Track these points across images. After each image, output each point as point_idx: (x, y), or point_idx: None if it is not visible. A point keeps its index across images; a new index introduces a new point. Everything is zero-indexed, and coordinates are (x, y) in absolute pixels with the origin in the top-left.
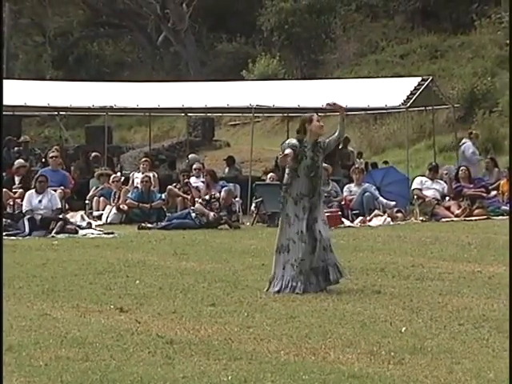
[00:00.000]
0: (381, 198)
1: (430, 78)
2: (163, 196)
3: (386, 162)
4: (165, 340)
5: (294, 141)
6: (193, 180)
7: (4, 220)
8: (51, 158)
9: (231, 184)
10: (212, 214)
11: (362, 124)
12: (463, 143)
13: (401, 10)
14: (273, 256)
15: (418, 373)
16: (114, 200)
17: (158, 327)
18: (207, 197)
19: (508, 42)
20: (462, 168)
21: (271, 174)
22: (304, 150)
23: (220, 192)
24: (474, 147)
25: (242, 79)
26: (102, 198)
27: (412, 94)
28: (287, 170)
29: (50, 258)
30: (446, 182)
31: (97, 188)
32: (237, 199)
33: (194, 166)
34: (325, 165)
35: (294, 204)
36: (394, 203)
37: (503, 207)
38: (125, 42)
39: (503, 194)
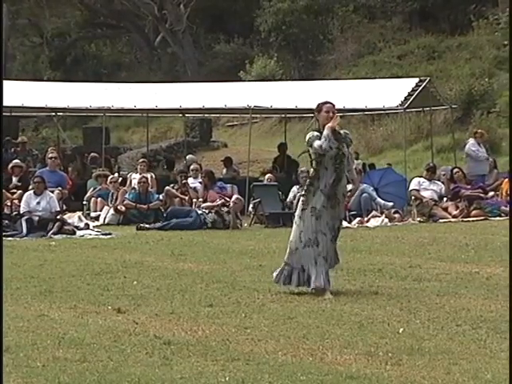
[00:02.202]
0: (378, 199)
1: (428, 78)
2: (161, 197)
3: (389, 165)
4: (162, 341)
5: (315, 133)
6: (190, 181)
7: None
8: (50, 158)
9: (229, 185)
10: (237, 221)
11: (359, 125)
12: (467, 142)
13: (398, 10)
14: (294, 252)
15: (415, 374)
16: (111, 201)
17: (155, 328)
18: (219, 202)
19: (505, 42)
20: (455, 170)
21: (269, 174)
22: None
23: (227, 197)
24: (479, 146)
25: (240, 80)
26: (99, 199)
27: (410, 94)
28: (313, 163)
29: (47, 258)
30: (443, 182)
31: (94, 189)
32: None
33: (191, 167)
34: None
35: (321, 196)
36: (391, 204)
37: (503, 207)
38: (122, 42)
39: (506, 194)
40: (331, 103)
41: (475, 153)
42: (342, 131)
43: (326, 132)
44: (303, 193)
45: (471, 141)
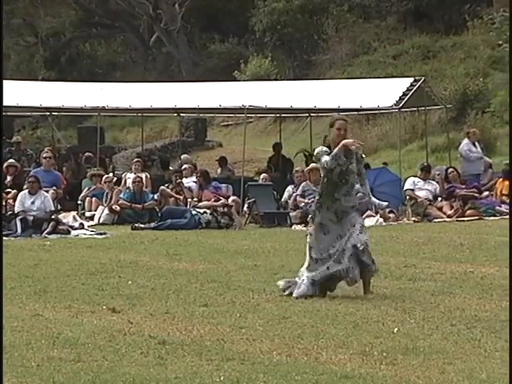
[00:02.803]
0: (373, 199)
1: (423, 78)
2: (155, 196)
3: (385, 164)
4: (157, 340)
5: (324, 148)
6: (185, 180)
7: None
8: (44, 158)
9: (223, 185)
10: (240, 220)
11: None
12: (462, 142)
13: (393, 10)
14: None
15: (410, 373)
16: (106, 200)
17: (150, 328)
18: (219, 203)
19: (500, 42)
20: (450, 170)
21: (264, 174)
22: (337, 159)
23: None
24: (472, 145)
25: (235, 80)
26: (94, 199)
27: (404, 94)
28: (322, 179)
29: (42, 258)
30: (438, 182)
31: (89, 188)
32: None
33: (184, 166)
34: (317, 165)
35: (328, 211)
36: (386, 204)
37: (497, 207)
38: (117, 42)
39: (500, 194)
40: (345, 119)
41: (466, 153)
42: (355, 151)
43: (336, 150)
44: (312, 208)
45: (465, 140)
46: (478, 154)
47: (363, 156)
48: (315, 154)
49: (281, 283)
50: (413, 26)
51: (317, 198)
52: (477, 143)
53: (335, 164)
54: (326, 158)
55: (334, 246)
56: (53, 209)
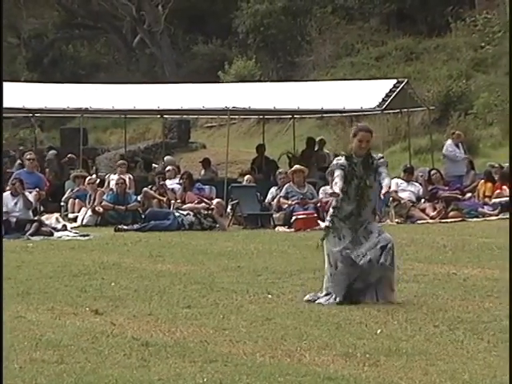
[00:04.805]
0: None
1: (406, 80)
2: (139, 198)
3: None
4: (140, 342)
5: (342, 160)
6: (168, 182)
7: None
8: (28, 160)
9: (207, 186)
10: (224, 222)
11: (337, 126)
12: (445, 143)
13: (376, 12)
14: (331, 277)
15: (393, 374)
16: (89, 202)
17: (133, 329)
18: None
19: (483, 44)
20: (433, 171)
21: (248, 176)
22: (354, 169)
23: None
24: (456, 147)
25: (218, 81)
26: (77, 200)
27: (387, 96)
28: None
29: (24, 260)
30: (421, 184)
31: (72, 190)
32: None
33: (168, 168)
34: (301, 167)
35: (341, 223)
36: None
37: (480, 209)
38: (100, 43)
39: (483, 195)
40: (369, 130)
41: (452, 153)
42: (375, 155)
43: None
44: (328, 218)
45: (449, 141)
46: (462, 155)
47: (385, 163)
48: (331, 164)
49: (307, 297)
50: (396, 28)
51: (331, 210)
52: (460, 145)
53: (340, 191)
54: (337, 180)
55: (349, 249)
56: (34, 204)
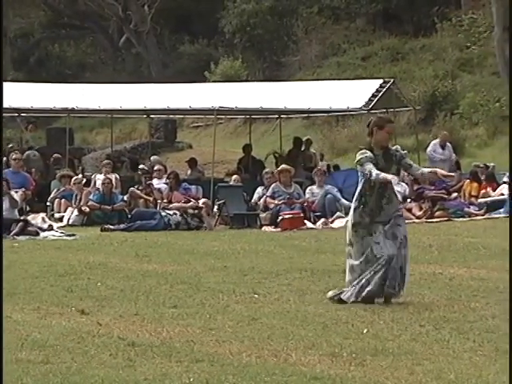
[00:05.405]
0: (343, 200)
1: (392, 80)
2: (125, 198)
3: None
4: (126, 342)
5: (368, 153)
6: (155, 182)
7: None
8: (14, 160)
9: (193, 186)
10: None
11: (324, 126)
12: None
13: (362, 12)
14: (353, 269)
15: (379, 374)
16: (75, 202)
17: (119, 329)
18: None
19: (468, 44)
20: None
21: (235, 176)
22: (377, 163)
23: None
24: (440, 147)
25: (205, 81)
26: (63, 200)
27: (373, 96)
28: (360, 187)
29: (10, 260)
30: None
31: (58, 190)
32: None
33: (155, 168)
34: (287, 166)
35: (365, 217)
36: None
37: (466, 209)
38: (86, 43)
39: (469, 195)
40: (393, 122)
41: (431, 154)
42: (393, 147)
43: (382, 176)
44: (351, 212)
45: (433, 142)
46: (442, 156)
47: (405, 155)
48: (358, 158)
49: (330, 293)
50: (382, 28)
51: (354, 204)
52: (448, 144)
53: (376, 179)
54: (370, 167)
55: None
56: (19, 203)
